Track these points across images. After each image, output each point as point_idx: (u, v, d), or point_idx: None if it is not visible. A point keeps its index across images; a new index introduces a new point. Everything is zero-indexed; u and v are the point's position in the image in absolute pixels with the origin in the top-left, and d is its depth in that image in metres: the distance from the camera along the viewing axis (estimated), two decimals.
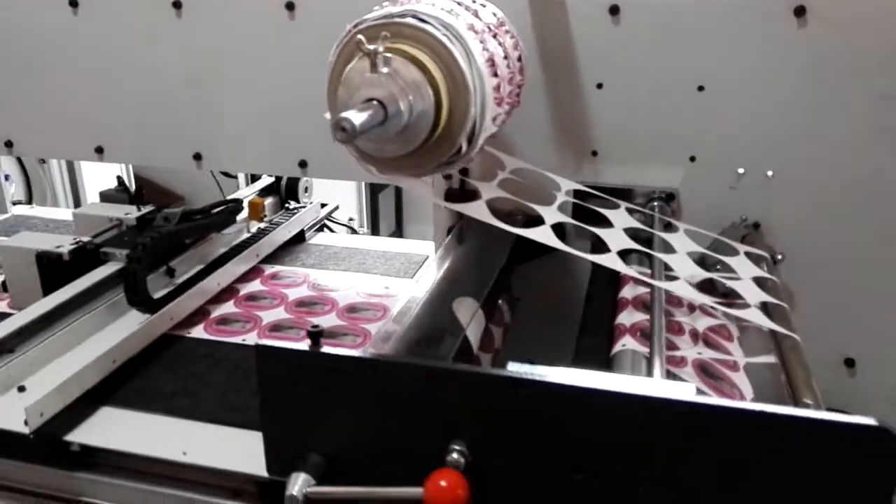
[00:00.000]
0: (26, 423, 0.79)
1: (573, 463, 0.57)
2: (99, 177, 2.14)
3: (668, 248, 0.84)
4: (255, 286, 1.14)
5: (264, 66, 1.11)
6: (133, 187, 1.56)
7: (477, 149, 0.68)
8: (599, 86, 1.01)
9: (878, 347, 1.01)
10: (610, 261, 0.75)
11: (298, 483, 0.61)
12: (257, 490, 0.74)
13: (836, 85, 0.93)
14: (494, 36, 0.75)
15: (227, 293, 1.11)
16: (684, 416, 0.53)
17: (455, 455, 0.58)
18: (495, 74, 0.71)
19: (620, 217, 0.88)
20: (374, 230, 2.72)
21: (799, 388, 0.64)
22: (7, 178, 1.77)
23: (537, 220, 0.79)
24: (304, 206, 1.41)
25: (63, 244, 1.10)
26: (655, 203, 1.02)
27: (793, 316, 1.03)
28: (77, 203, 2.07)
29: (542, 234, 0.76)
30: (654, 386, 0.56)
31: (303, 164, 1.15)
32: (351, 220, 2.68)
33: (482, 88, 0.66)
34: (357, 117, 0.56)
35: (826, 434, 0.50)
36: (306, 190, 1.45)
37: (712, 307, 0.81)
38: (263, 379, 0.62)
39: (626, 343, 0.75)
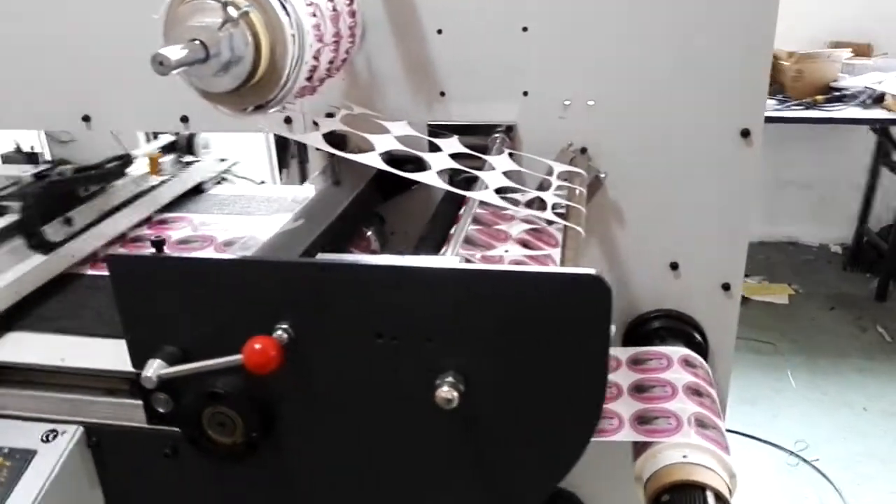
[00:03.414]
0: None
1: (375, 331, 0.70)
2: None
3: (491, 169, 0.98)
4: (143, 231, 1.24)
5: (138, 23, 1.18)
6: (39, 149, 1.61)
7: (297, 85, 0.79)
8: (440, 31, 1.13)
9: (695, 250, 1.17)
10: (428, 178, 0.87)
11: (153, 367, 0.72)
12: (129, 386, 0.85)
13: (646, 21, 1.07)
14: None
15: (119, 239, 1.21)
16: (452, 281, 0.66)
17: (279, 332, 0.70)
18: (314, 14, 0.82)
19: (450, 145, 1.01)
20: None
21: (565, 262, 0.79)
22: None
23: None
24: (199, 161, 1.51)
25: None
26: (498, 135, 1.16)
27: (621, 228, 1.19)
28: None
29: (371, 159, 0.88)
30: (428, 260, 0.70)
31: (184, 119, 1.24)
32: (262, 182, 2.76)
33: (301, 32, 0.78)
34: (174, 53, 0.67)
35: (555, 284, 0.64)
36: (206, 146, 1.55)
37: (535, 218, 0.95)
38: (117, 284, 0.73)
39: (449, 248, 0.89)
